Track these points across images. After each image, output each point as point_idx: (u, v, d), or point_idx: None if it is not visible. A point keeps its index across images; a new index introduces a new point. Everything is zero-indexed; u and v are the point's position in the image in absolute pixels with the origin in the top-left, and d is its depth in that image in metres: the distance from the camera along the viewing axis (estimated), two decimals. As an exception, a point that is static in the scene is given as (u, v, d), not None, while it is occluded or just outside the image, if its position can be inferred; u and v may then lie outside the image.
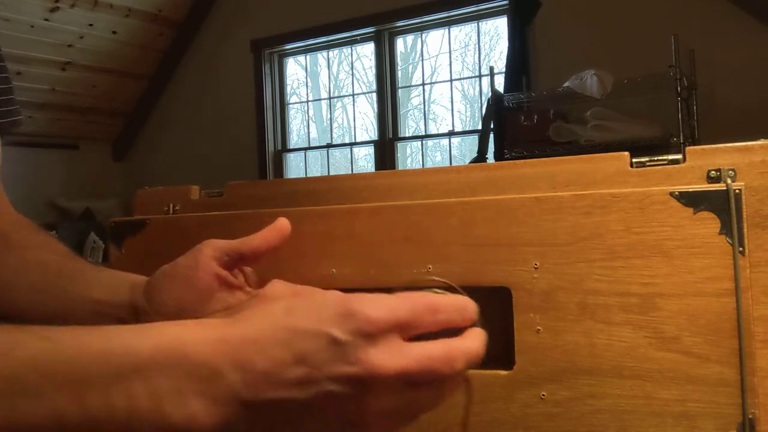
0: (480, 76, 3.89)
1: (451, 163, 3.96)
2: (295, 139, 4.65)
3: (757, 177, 0.52)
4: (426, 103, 4.16)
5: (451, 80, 4.03)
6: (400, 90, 4.16)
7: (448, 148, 4.09)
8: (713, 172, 0.53)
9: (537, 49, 3.46)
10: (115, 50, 4.46)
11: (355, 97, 4.43)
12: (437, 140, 4.16)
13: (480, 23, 3.91)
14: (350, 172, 4.06)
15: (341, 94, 4.51)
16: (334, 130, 4.54)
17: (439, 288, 0.47)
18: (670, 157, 0.56)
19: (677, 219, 0.52)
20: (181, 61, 4.77)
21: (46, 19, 4.01)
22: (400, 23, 4.02)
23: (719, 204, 0.51)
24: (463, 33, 4.03)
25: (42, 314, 0.58)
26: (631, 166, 0.57)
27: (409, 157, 4.23)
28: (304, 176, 4.29)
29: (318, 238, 0.62)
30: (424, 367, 0.37)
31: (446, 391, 0.39)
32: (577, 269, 0.54)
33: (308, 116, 4.61)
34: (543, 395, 0.55)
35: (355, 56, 4.39)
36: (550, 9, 3.43)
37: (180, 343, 0.36)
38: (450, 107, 4.05)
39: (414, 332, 0.38)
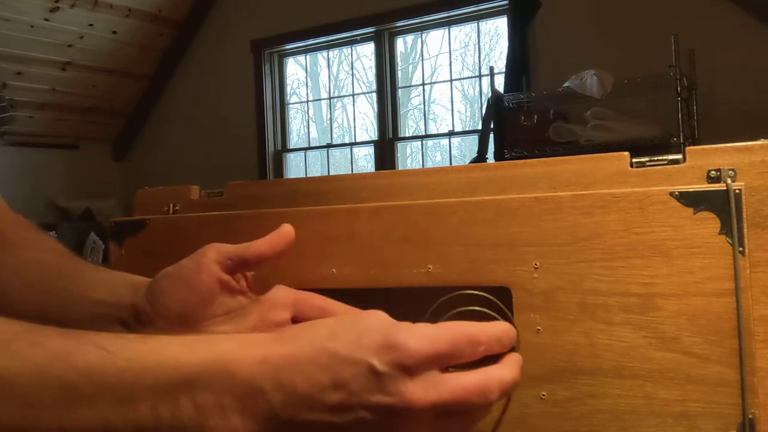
0: (480, 76, 3.90)
1: (451, 163, 3.96)
2: (295, 139, 4.65)
3: (757, 177, 0.52)
4: (426, 103, 4.17)
5: (451, 80, 4.03)
6: (400, 90, 4.16)
7: (448, 148, 4.09)
8: (713, 172, 0.53)
9: (537, 49, 3.46)
10: (115, 50, 4.46)
11: (355, 97, 4.43)
12: (437, 140, 4.16)
13: (480, 23, 3.91)
14: (350, 172, 4.06)
15: (341, 94, 4.52)
16: (334, 130, 4.54)
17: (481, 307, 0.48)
18: (670, 157, 0.56)
19: (677, 219, 0.52)
20: (181, 61, 4.77)
21: (46, 19, 4.01)
22: (400, 23, 4.02)
23: (719, 204, 0.51)
24: (463, 33, 4.03)
25: (40, 314, 0.57)
26: (631, 166, 0.57)
27: (409, 157, 4.23)
28: (304, 176, 4.29)
29: (318, 238, 0.62)
30: (458, 399, 0.37)
31: (478, 418, 0.40)
32: (577, 269, 0.54)
33: (308, 116, 4.61)
34: (543, 395, 0.55)
35: (355, 56, 4.40)
36: (550, 9, 3.43)
37: (227, 360, 0.37)
38: (450, 107, 4.05)
39: (453, 363, 0.39)
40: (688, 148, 0.55)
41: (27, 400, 0.34)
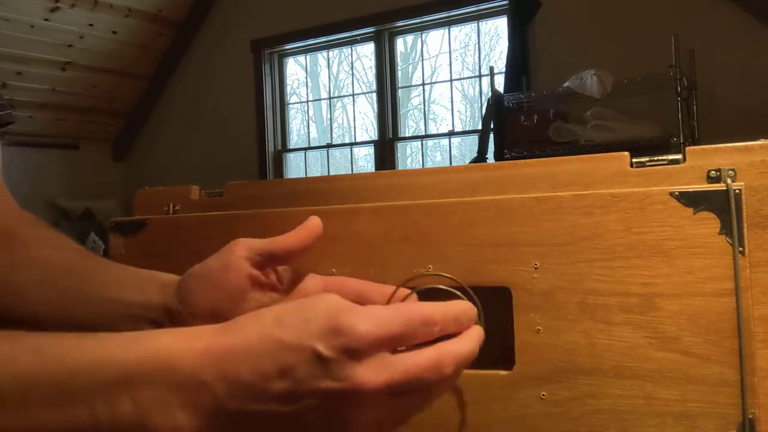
0: (480, 76, 3.90)
1: (451, 163, 3.96)
2: (295, 139, 4.65)
3: (757, 177, 0.52)
4: (426, 103, 4.17)
5: (451, 80, 4.03)
6: (400, 90, 4.16)
7: (448, 148, 4.09)
8: (713, 172, 0.53)
9: (537, 49, 3.46)
10: (115, 50, 4.46)
11: (355, 97, 4.43)
12: (437, 140, 4.16)
13: (480, 23, 3.91)
14: (350, 172, 4.06)
15: (341, 94, 4.51)
16: (334, 130, 4.54)
17: (446, 285, 0.47)
18: (670, 157, 0.56)
19: (677, 219, 0.52)
20: (181, 61, 4.77)
21: (46, 19, 4.01)
22: (400, 23, 4.02)
23: (719, 204, 0.51)
24: (463, 33, 4.03)
25: (55, 313, 0.56)
26: (631, 166, 0.57)
27: (409, 157, 4.23)
28: (304, 176, 4.29)
29: (318, 238, 0.62)
30: (411, 378, 0.36)
31: (435, 394, 0.39)
32: (577, 269, 0.54)
33: (308, 116, 4.61)
34: (543, 395, 0.55)
35: (355, 56, 4.40)
36: (550, 9, 3.43)
37: (167, 354, 0.36)
38: (450, 107, 4.05)
39: (407, 344, 0.38)
40: (688, 148, 0.55)
41: None
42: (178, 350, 0.36)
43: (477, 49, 3.96)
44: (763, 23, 2.96)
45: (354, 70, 4.44)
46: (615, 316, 0.53)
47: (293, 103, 4.64)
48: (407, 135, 4.20)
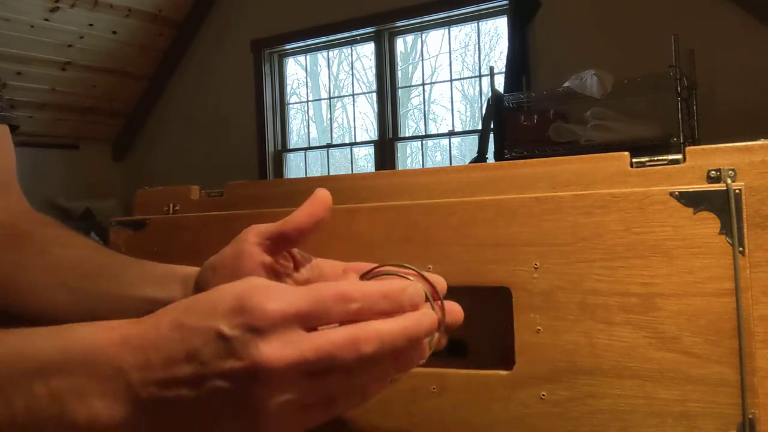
0: (480, 76, 3.90)
1: (451, 163, 3.96)
2: (295, 139, 4.65)
3: (757, 177, 0.52)
4: (426, 103, 4.17)
5: (451, 80, 4.03)
6: (400, 90, 4.16)
7: (448, 148, 4.09)
8: (713, 172, 0.53)
9: (537, 49, 3.46)
10: (115, 50, 4.46)
11: (355, 97, 4.43)
12: (437, 140, 4.16)
13: (480, 23, 3.91)
14: (350, 172, 4.06)
15: (341, 94, 4.51)
16: (334, 130, 4.54)
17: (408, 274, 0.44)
18: (670, 157, 0.56)
19: (677, 219, 0.52)
20: (181, 61, 4.77)
21: (46, 19, 4.01)
22: (400, 23, 4.02)
23: (719, 204, 0.51)
24: (463, 33, 4.03)
25: (78, 314, 0.55)
26: (631, 166, 0.57)
27: (409, 157, 4.23)
28: (304, 176, 4.29)
29: (318, 237, 0.62)
30: (323, 355, 0.35)
31: (362, 378, 0.37)
32: (577, 269, 0.54)
33: (308, 116, 4.61)
34: (543, 395, 0.55)
35: (355, 56, 4.40)
36: (550, 9, 3.43)
37: (83, 344, 0.36)
38: (450, 107, 4.05)
39: (323, 322, 0.36)
40: (688, 148, 0.55)
41: None
42: (94, 340, 0.37)
43: (477, 49, 3.96)
44: (763, 23, 2.96)
45: (354, 70, 4.44)
46: (615, 316, 0.53)
47: (293, 103, 4.64)
48: (407, 135, 4.20)
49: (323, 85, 4.59)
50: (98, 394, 0.35)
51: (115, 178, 5.01)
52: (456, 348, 0.62)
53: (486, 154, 3.21)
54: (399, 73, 4.16)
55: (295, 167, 4.57)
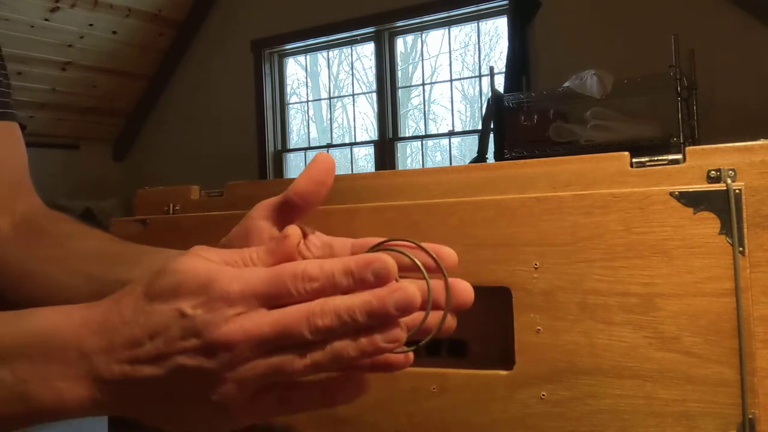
0: (480, 76, 3.90)
1: (451, 163, 3.96)
2: (295, 139, 4.65)
3: (757, 177, 0.52)
4: (426, 103, 4.17)
5: (451, 80, 4.03)
6: (400, 90, 4.16)
7: (448, 148, 4.09)
8: (713, 172, 0.53)
9: (537, 49, 3.46)
10: (115, 50, 4.46)
11: (355, 97, 4.43)
12: (437, 140, 4.16)
13: (480, 23, 3.91)
14: (350, 172, 4.06)
15: (341, 94, 4.52)
16: (334, 130, 4.54)
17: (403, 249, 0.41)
18: (670, 157, 0.56)
19: (677, 219, 0.52)
20: (181, 61, 4.77)
21: (46, 19, 4.01)
22: (400, 23, 4.02)
23: (719, 204, 0.51)
24: (463, 33, 4.03)
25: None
26: (631, 166, 0.57)
27: (409, 157, 4.23)
28: (304, 176, 4.28)
29: (318, 238, 0.62)
30: (280, 329, 0.35)
31: (321, 355, 0.36)
32: (577, 269, 0.54)
33: (308, 116, 4.61)
34: (543, 395, 0.55)
35: (355, 56, 4.40)
36: (550, 9, 3.43)
37: (43, 328, 0.38)
38: (450, 107, 4.05)
39: (287, 302, 0.36)
40: (688, 148, 0.55)
41: None
42: (53, 325, 0.38)
43: (477, 49, 3.96)
44: (763, 23, 2.96)
45: (354, 70, 4.44)
46: (615, 316, 0.53)
47: (293, 103, 4.64)
48: (407, 135, 4.20)
49: (323, 85, 4.59)
50: (61, 377, 0.36)
51: (115, 178, 5.01)
52: (456, 348, 0.62)
53: (486, 154, 3.21)
54: (399, 73, 4.16)
55: (295, 167, 4.57)
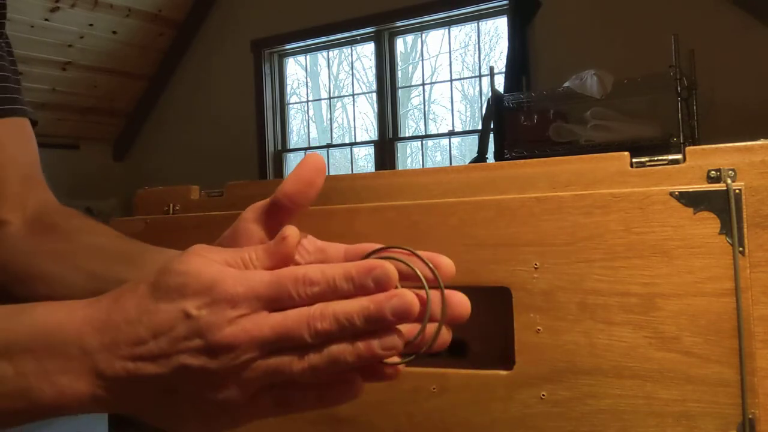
0: (480, 76, 3.90)
1: (451, 163, 3.96)
2: (295, 139, 4.65)
3: (757, 177, 0.52)
4: (426, 103, 4.17)
5: (451, 80, 4.03)
6: (400, 90, 4.16)
7: (448, 148, 4.09)
8: (713, 172, 0.53)
9: (537, 49, 3.46)
10: (115, 50, 4.46)
11: (355, 97, 4.43)
12: (437, 140, 4.16)
13: (480, 23, 3.91)
14: (350, 172, 4.05)
15: (341, 94, 4.51)
16: (334, 130, 4.54)
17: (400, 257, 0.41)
18: (670, 157, 0.56)
19: (677, 219, 0.52)
20: (181, 61, 4.77)
21: (46, 19, 4.01)
22: (400, 23, 4.02)
23: (719, 204, 0.51)
24: (463, 33, 4.03)
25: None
26: (631, 166, 0.57)
27: (409, 157, 4.23)
28: (304, 176, 4.28)
29: (318, 237, 0.62)
30: (280, 332, 0.36)
31: (319, 358, 0.36)
32: (577, 269, 0.54)
33: (308, 116, 4.61)
34: (543, 395, 0.55)
35: (355, 56, 4.40)
36: (550, 9, 3.43)
37: (45, 326, 0.38)
38: (450, 107, 4.05)
39: (288, 305, 0.37)
40: (688, 148, 0.55)
41: None
42: (57, 320, 0.38)
43: (477, 49, 3.96)
44: (763, 23, 2.96)
45: (354, 70, 4.44)
46: (615, 316, 0.53)
47: (293, 103, 4.64)
48: (407, 135, 4.20)
49: (323, 85, 4.59)
50: (63, 372, 0.37)
51: (115, 178, 5.01)
52: (456, 348, 0.62)
53: (486, 154, 3.21)
54: (399, 73, 4.16)
55: (294, 167, 4.57)
